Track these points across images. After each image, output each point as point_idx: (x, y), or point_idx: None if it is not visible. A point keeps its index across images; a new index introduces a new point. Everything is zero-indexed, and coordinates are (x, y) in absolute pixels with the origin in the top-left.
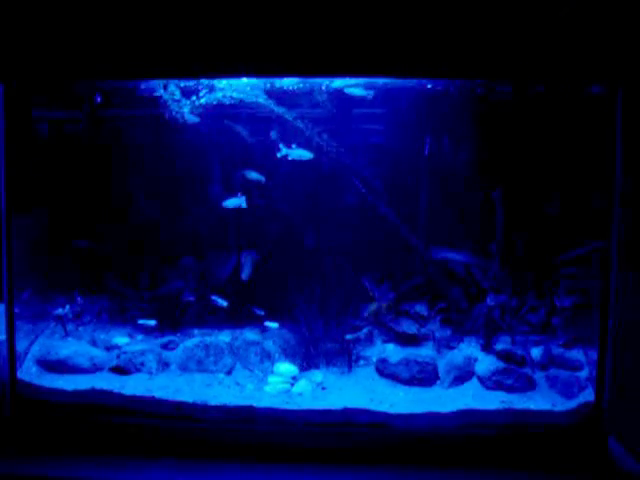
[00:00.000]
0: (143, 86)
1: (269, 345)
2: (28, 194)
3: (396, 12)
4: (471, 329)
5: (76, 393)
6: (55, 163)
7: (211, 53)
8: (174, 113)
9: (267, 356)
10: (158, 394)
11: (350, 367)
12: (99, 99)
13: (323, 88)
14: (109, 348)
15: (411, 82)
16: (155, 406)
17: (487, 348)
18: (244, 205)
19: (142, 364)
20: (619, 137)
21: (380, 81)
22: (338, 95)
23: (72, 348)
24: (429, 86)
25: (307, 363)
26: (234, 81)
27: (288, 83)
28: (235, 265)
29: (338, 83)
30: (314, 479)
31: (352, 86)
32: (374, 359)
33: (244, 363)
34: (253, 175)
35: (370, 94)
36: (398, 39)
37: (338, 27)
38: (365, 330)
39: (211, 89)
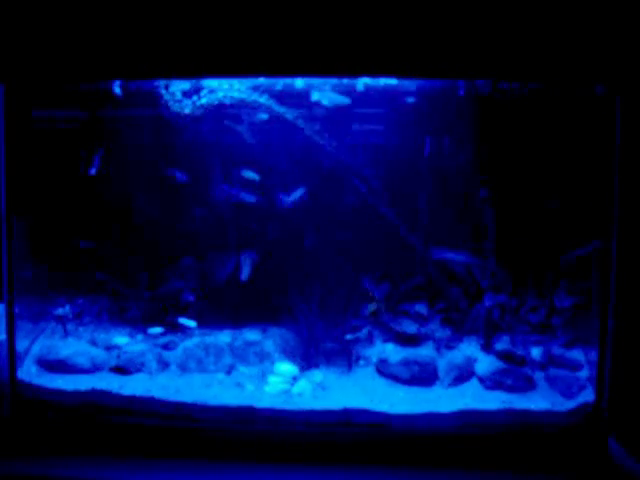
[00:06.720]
0: (144, 86)
1: (269, 345)
2: (28, 194)
3: (397, 11)
4: (471, 329)
5: (76, 393)
6: (55, 163)
7: (210, 53)
8: (175, 113)
9: (267, 356)
10: (158, 394)
11: (350, 367)
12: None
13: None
14: (109, 348)
15: (411, 82)
16: (155, 406)
17: (487, 348)
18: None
19: (142, 364)
20: (618, 138)
21: (382, 81)
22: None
23: (72, 348)
24: (430, 86)
25: (307, 363)
26: (235, 81)
27: (288, 82)
28: (235, 265)
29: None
30: (314, 479)
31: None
32: (374, 359)
33: (244, 363)
34: (249, 174)
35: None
36: (397, 38)
37: (336, 26)
38: (365, 330)
39: (211, 90)
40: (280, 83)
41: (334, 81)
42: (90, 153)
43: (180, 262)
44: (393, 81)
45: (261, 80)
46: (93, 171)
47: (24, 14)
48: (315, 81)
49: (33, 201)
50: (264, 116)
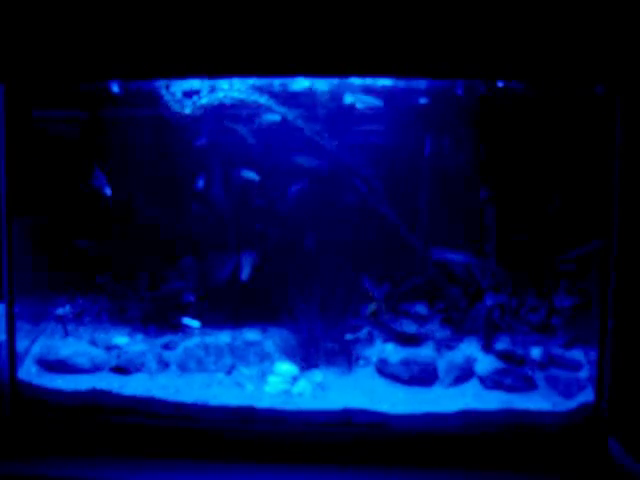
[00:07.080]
0: (144, 86)
1: (269, 345)
2: (28, 194)
3: (395, 11)
4: (471, 329)
5: (76, 393)
6: (55, 163)
7: (208, 53)
8: (175, 113)
9: (267, 356)
10: (158, 394)
11: (350, 367)
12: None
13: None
14: (109, 348)
15: (411, 82)
16: (155, 406)
17: (487, 348)
18: None
19: (142, 364)
20: (618, 138)
21: (379, 82)
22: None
23: (72, 348)
24: (432, 86)
25: (307, 363)
26: (236, 81)
27: (290, 83)
28: (235, 266)
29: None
30: (314, 479)
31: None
32: (374, 359)
33: (244, 363)
34: (249, 174)
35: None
36: (396, 38)
37: (335, 26)
38: (365, 330)
39: (212, 89)
40: (278, 83)
41: (335, 81)
42: (91, 169)
43: (180, 262)
44: (388, 81)
45: (262, 80)
46: (108, 191)
47: (24, 14)
48: (314, 81)
49: (33, 201)
50: (276, 117)
